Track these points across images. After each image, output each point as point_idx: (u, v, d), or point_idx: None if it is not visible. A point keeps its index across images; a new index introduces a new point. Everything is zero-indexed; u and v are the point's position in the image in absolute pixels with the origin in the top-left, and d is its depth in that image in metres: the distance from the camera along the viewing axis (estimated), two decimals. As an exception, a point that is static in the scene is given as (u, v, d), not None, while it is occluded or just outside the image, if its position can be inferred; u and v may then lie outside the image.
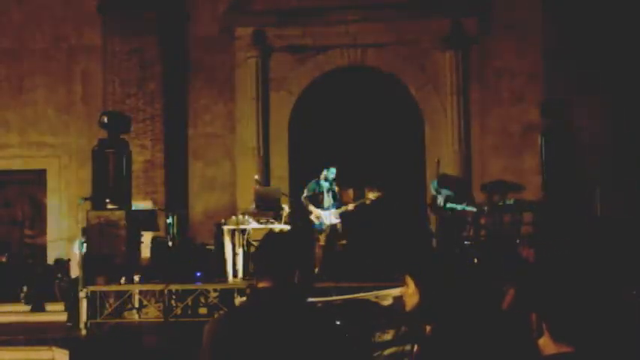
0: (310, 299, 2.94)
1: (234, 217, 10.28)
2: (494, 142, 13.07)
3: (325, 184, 10.54)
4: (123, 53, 13.04)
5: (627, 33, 11.88)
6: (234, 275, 9.89)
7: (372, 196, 10.49)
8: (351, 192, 11.21)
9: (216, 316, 7.85)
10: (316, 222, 10.46)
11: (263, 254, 2.55)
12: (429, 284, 2.88)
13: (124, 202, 9.86)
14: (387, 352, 3.88)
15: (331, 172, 10.52)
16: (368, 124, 12.96)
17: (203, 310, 9.81)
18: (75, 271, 10.28)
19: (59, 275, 11.85)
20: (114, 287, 9.76)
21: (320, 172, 10.65)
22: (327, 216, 10.46)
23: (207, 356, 2.42)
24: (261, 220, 10.23)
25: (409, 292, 2.91)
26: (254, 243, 10.33)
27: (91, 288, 9.43)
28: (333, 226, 10.52)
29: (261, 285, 2.48)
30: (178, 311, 9.38)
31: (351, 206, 10.58)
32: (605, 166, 11.67)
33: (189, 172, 13.54)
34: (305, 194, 10.58)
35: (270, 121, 13.46)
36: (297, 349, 2.33)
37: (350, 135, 12.87)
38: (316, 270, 8.95)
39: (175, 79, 13.40)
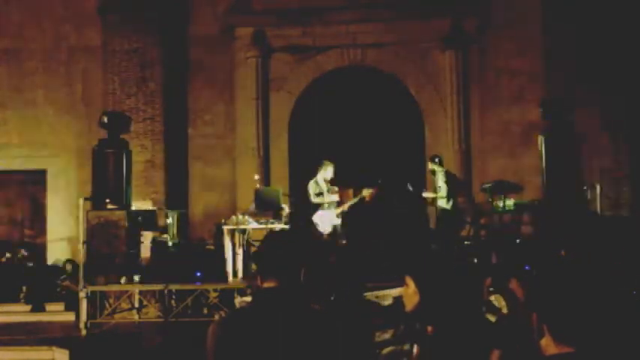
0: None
1: (234, 217, 10.27)
2: (494, 142, 13.06)
3: (324, 185, 10.51)
4: (123, 53, 13.04)
5: (627, 32, 11.88)
6: (234, 275, 9.89)
7: (365, 193, 10.46)
8: (350, 192, 11.18)
9: (217, 317, 7.85)
10: (318, 224, 10.43)
11: (268, 254, 2.54)
12: (429, 284, 2.88)
13: (124, 202, 9.85)
14: (385, 351, 3.89)
15: (329, 172, 10.46)
16: (368, 124, 12.95)
17: (203, 310, 9.81)
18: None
19: (64, 275, 11.85)
20: (114, 287, 9.76)
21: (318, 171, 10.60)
22: (327, 218, 10.43)
23: (212, 357, 2.42)
24: (261, 220, 10.23)
25: (409, 292, 2.91)
26: (254, 243, 10.33)
27: (91, 288, 9.43)
28: (333, 226, 10.50)
29: (266, 285, 2.47)
30: (178, 311, 9.38)
31: (345, 206, 10.54)
32: (604, 166, 11.67)
33: (189, 172, 13.52)
34: (312, 197, 10.47)
35: (270, 121, 13.46)
36: (303, 349, 2.33)
37: (350, 135, 12.85)
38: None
39: (175, 79, 13.39)
